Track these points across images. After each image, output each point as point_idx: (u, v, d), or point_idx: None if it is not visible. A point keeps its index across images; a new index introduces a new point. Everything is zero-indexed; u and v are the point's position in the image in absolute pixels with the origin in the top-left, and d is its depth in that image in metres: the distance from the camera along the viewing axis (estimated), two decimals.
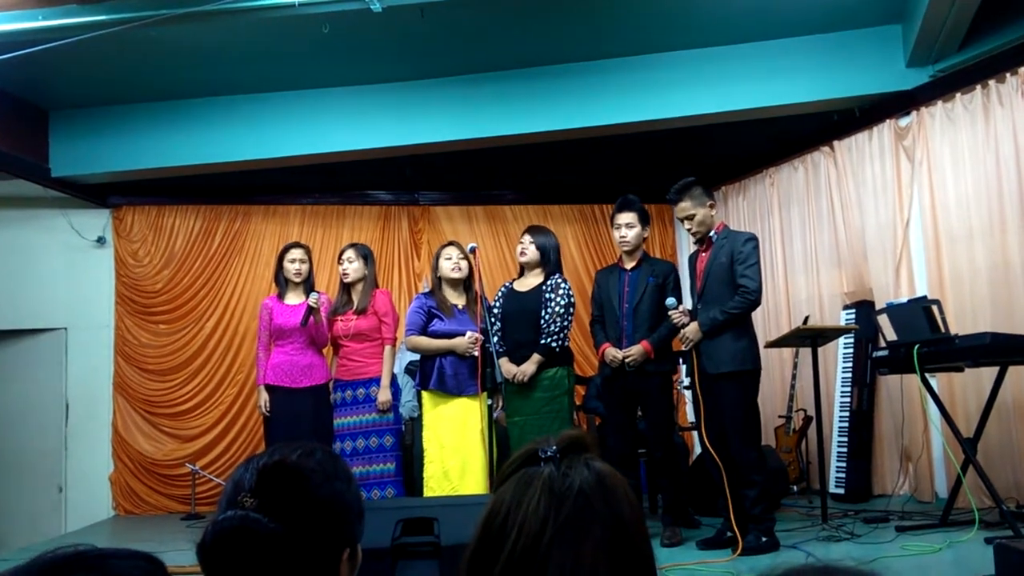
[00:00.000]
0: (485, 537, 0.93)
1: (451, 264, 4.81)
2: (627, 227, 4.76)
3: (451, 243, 4.99)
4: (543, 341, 4.67)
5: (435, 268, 4.90)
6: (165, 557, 0.80)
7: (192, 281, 7.07)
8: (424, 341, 4.72)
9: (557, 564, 0.87)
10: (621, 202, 4.83)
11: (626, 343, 4.69)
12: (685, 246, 7.55)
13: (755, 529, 4.25)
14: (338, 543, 1.18)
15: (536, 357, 4.65)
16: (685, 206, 4.48)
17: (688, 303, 4.77)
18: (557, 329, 4.69)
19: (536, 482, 0.93)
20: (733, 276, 4.36)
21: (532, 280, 4.89)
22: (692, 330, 4.42)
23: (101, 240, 7.03)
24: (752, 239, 4.46)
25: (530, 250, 4.88)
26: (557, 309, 4.71)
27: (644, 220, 4.82)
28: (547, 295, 4.77)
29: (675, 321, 4.49)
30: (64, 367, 6.91)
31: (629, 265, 4.82)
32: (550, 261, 4.88)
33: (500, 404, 4.75)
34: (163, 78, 5.90)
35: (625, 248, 4.83)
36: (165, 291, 7.03)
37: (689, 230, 4.57)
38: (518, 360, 4.70)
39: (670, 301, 4.50)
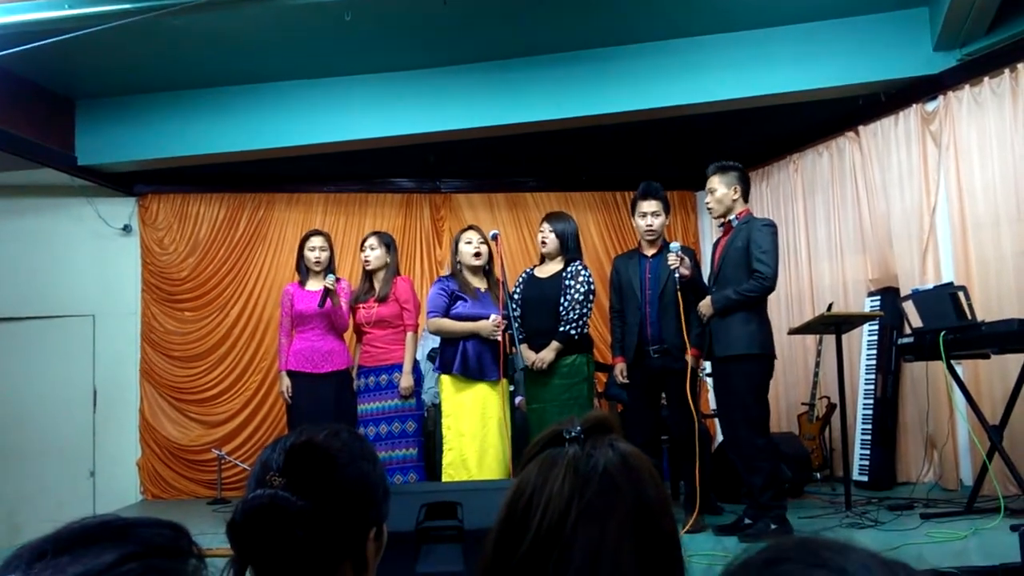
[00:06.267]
0: (510, 518, 0.93)
1: (472, 249, 4.76)
2: (653, 215, 4.74)
3: (471, 227, 4.91)
4: (562, 328, 4.66)
5: (454, 252, 4.85)
6: None
7: (216, 269, 7.12)
8: (448, 324, 4.68)
9: (582, 544, 0.88)
10: (645, 189, 4.78)
11: (650, 330, 4.68)
12: (708, 234, 7.52)
13: (765, 517, 4.24)
14: (365, 522, 1.20)
15: (555, 344, 4.65)
16: (714, 179, 4.55)
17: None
18: (576, 316, 4.68)
19: (561, 463, 0.93)
20: (749, 261, 4.36)
21: (552, 267, 4.88)
22: (704, 305, 4.47)
23: (127, 228, 7.09)
24: (770, 225, 4.46)
25: (550, 238, 4.85)
26: (576, 296, 4.70)
27: (667, 208, 4.83)
28: (567, 282, 4.75)
29: (670, 264, 4.50)
30: (92, 354, 6.98)
31: (650, 252, 4.81)
32: (570, 248, 4.86)
33: (521, 391, 4.75)
34: (188, 67, 5.93)
35: (649, 237, 4.81)
36: (190, 279, 7.08)
37: (707, 204, 4.67)
38: (537, 347, 4.69)
39: (674, 245, 4.56)
